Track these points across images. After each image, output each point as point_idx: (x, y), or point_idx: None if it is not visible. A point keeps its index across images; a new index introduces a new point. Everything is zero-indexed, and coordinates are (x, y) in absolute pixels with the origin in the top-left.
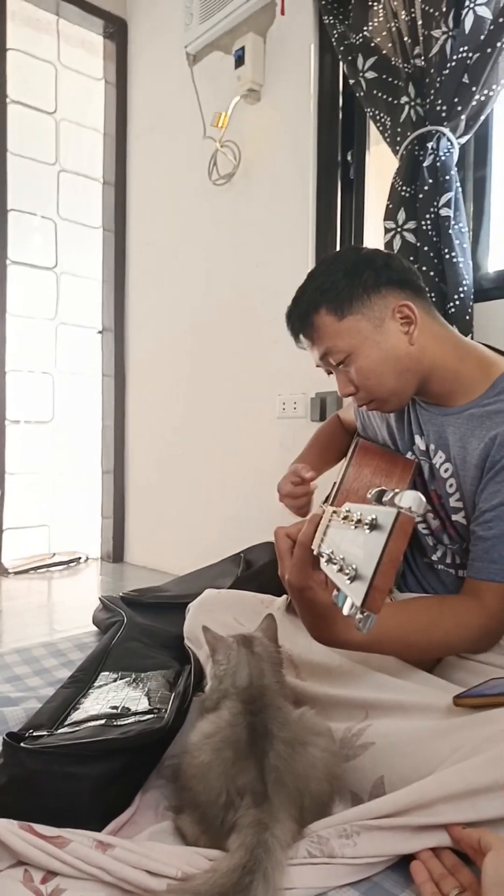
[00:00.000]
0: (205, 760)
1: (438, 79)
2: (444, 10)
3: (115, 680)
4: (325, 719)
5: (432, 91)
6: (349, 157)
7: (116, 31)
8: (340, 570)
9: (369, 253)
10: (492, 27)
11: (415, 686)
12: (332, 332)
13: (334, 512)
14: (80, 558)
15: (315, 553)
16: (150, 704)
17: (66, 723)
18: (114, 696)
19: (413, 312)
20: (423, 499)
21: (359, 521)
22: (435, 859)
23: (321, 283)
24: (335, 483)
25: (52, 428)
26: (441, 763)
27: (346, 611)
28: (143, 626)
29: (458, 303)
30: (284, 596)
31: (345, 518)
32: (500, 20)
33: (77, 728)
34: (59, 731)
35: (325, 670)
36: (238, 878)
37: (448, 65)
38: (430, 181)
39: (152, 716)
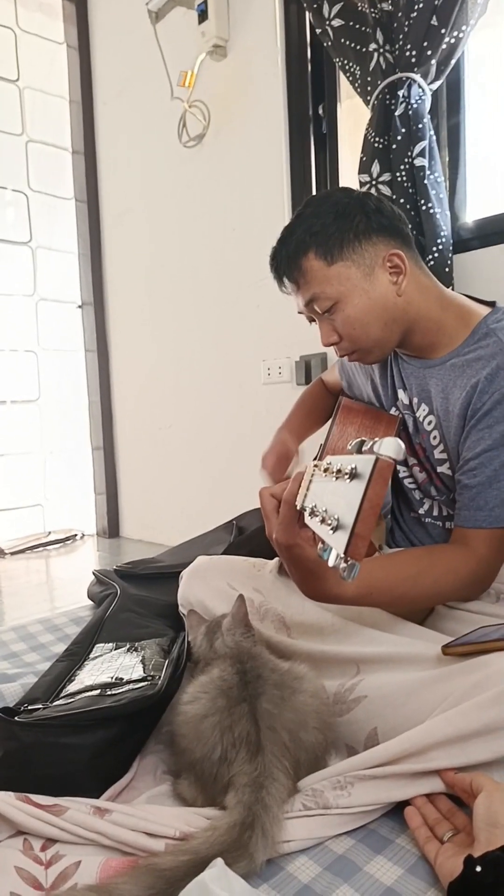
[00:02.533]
0: (198, 712)
1: (406, 23)
2: None
3: (110, 651)
4: (318, 677)
5: (401, 36)
6: (321, 111)
7: None
8: (323, 521)
9: (360, 196)
10: None
11: (405, 638)
12: (321, 277)
13: (315, 466)
14: (75, 535)
15: (299, 508)
16: (144, 672)
17: (61, 695)
18: (108, 666)
19: (403, 262)
20: (402, 444)
21: (339, 471)
22: (430, 805)
23: (311, 224)
24: (321, 445)
25: (40, 406)
26: (432, 711)
27: (331, 562)
28: (136, 597)
29: (436, 255)
30: (276, 558)
31: (325, 470)
32: None
33: (72, 699)
34: (55, 703)
35: (317, 629)
36: (237, 834)
37: (416, 7)
38: (403, 130)
39: (146, 683)
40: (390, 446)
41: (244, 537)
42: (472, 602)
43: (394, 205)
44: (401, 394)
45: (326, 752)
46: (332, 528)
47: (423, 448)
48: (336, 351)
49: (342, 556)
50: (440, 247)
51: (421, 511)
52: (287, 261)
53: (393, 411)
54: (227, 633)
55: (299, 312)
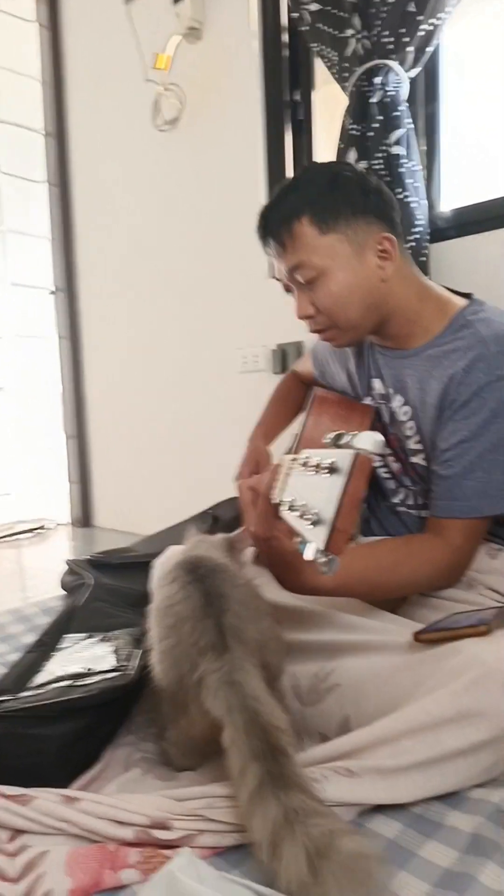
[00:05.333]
0: (170, 643)
1: (384, 8)
2: None
3: (81, 641)
4: (291, 663)
5: (378, 22)
6: (297, 97)
7: None
8: (302, 515)
9: (360, 173)
10: None
11: (379, 624)
12: (311, 245)
13: (293, 460)
14: (46, 525)
15: (276, 502)
16: (116, 662)
17: (30, 686)
18: (79, 656)
19: (393, 248)
20: (381, 438)
21: (318, 465)
22: None
23: (307, 191)
24: (296, 435)
25: (10, 394)
26: (405, 698)
27: (309, 556)
28: (109, 587)
29: (413, 244)
30: (251, 549)
31: (304, 464)
32: None
33: (41, 690)
34: (23, 694)
35: (289, 614)
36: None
37: None
38: (380, 118)
39: (118, 673)
40: (369, 440)
41: (220, 527)
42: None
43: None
44: (376, 383)
45: (280, 674)
46: (311, 523)
47: (399, 438)
48: (309, 325)
49: (321, 550)
50: (416, 236)
51: (395, 500)
52: (278, 222)
53: (367, 401)
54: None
55: (276, 278)
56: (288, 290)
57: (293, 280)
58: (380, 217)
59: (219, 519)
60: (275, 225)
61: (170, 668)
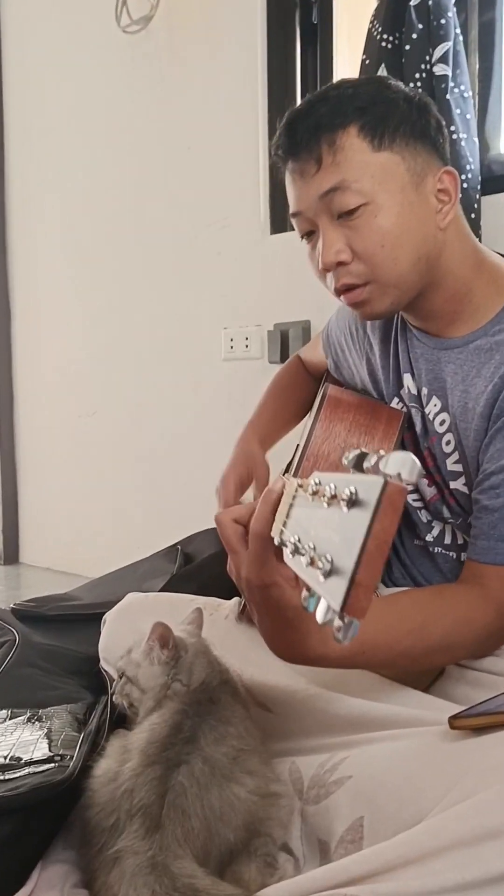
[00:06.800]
0: (113, 767)
1: None
2: None
3: (3, 721)
4: (290, 752)
5: None
6: None
7: None
8: (311, 562)
9: (411, 89)
10: None
11: (405, 711)
12: (359, 161)
13: (299, 486)
14: None
15: (277, 543)
16: (50, 750)
17: None
18: (1, 741)
19: (454, 188)
20: (417, 461)
21: (333, 496)
22: None
23: (355, 94)
24: (298, 446)
25: None
26: (437, 800)
27: (320, 617)
28: (42, 647)
29: (460, 194)
30: (234, 599)
31: (314, 493)
32: None
33: None
34: None
35: (286, 696)
36: None
37: None
38: (420, 27)
39: (52, 765)
40: (405, 464)
41: (191, 568)
42: (488, 659)
43: None
44: (407, 379)
45: (246, 847)
46: (323, 573)
47: (433, 455)
48: (336, 277)
49: (337, 611)
50: (465, 184)
51: (428, 538)
52: (316, 128)
53: (395, 403)
54: (189, 667)
55: (294, 214)
56: (307, 232)
57: (325, 210)
58: (436, 148)
59: (190, 557)
60: (310, 133)
61: (99, 797)
